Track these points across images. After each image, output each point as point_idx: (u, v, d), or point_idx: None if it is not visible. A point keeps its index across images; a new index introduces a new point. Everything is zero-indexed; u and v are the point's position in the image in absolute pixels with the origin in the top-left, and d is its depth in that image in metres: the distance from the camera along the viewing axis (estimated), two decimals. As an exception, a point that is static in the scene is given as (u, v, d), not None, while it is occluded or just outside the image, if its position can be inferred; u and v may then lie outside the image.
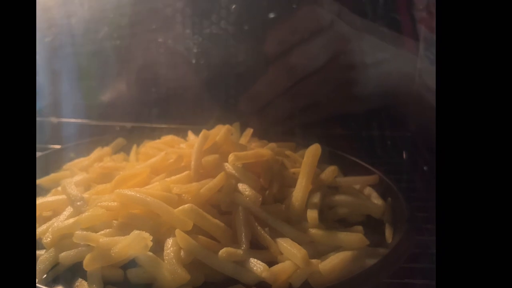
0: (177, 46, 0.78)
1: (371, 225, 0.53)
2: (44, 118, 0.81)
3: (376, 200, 0.56)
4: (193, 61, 0.78)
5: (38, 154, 0.63)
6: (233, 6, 0.74)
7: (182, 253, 0.44)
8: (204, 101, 0.78)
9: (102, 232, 0.46)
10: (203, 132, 0.56)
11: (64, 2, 0.80)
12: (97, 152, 0.65)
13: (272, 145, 0.62)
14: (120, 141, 0.69)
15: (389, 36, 0.76)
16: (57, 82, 0.80)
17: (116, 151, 0.67)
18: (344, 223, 0.53)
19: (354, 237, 0.48)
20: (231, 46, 0.76)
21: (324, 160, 0.56)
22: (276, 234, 0.48)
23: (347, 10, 0.76)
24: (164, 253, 0.44)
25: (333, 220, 0.53)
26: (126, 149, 0.67)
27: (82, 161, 0.63)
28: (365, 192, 0.59)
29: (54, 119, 0.81)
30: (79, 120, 0.81)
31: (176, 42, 0.78)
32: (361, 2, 0.76)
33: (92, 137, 0.71)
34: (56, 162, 0.64)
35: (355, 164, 0.63)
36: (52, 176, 0.60)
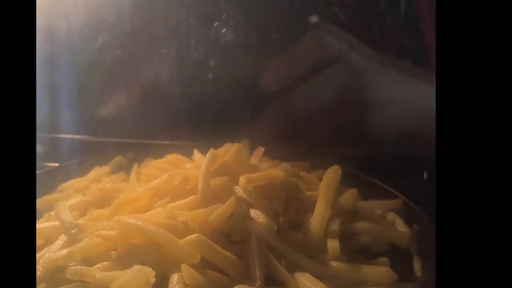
0: (181, 58, 0.74)
1: (396, 256, 0.48)
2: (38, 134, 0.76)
3: (402, 227, 0.51)
4: (198, 75, 0.74)
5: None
6: (223, 30, 0.70)
7: (188, 291, 0.39)
8: (211, 116, 0.73)
9: (99, 265, 0.41)
10: (211, 151, 0.51)
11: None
12: (94, 172, 0.60)
13: (286, 165, 0.57)
14: (119, 159, 0.64)
15: (407, 70, 0.70)
16: (53, 95, 0.75)
17: (115, 171, 0.62)
18: (366, 254, 0.48)
19: (381, 271, 0.43)
20: (238, 59, 0.72)
21: (341, 181, 0.51)
22: (293, 267, 0.43)
23: (358, 41, 0.70)
24: (169, 291, 0.39)
25: (354, 250, 0.48)
26: (126, 168, 0.63)
27: (78, 181, 0.58)
28: (388, 218, 0.53)
29: (48, 135, 0.76)
30: (75, 136, 0.76)
31: (180, 54, 0.74)
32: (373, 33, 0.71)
33: (90, 155, 0.66)
34: (50, 182, 0.59)
35: (375, 186, 0.58)
36: (45, 198, 0.55)
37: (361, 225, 0.49)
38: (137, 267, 0.38)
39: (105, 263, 0.41)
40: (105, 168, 0.61)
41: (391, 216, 0.54)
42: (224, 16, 0.70)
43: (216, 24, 0.70)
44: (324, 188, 0.48)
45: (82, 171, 0.61)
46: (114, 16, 0.75)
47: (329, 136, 0.70)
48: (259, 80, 0.70)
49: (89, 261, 0.42)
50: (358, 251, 0.48)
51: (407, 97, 0.69)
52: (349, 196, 0.53)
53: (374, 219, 0.51)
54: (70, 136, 0.74)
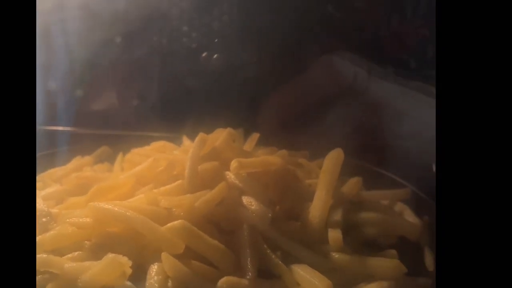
0: (173, 48, 0.70)
1: (406, 249, 0.43)
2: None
3: (411, 218, 0.46)
4: (190, 65, 0.70)
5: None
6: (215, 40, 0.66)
7: (169, 283, 0.34)
8: (205, 107, 0.69)
9: (70, 255, 0.37)
10: (200, 135, 0.46)
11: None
12: (76, 161, 0.55)
13: (283, 152, 0.52)
14: (104, 149, 0.59)
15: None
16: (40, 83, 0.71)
17: (99, 161, 0.58)
18: (372, 247, 0.43)
19: (389, 263, 0.38)
20: (233, 50, 0.68)
21: (344, 172, 0.46)
22: (290, 259, 0.38)
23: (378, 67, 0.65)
24: (147, 283, 0.34)
25: (358, 242, 0.43)
26: (112, 160, 0.58)
27: (57, 170, 0.53)
28: (395, 209, 0.49)
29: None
30: (62, 128, 0.71)
31: (172, 44, 0.70)
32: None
33: (73, 145, 0.62)
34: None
35: (381, 176, 0.53)
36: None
37: (367, 216, 0.44)
38: (111, 256, 0.33)
39: (76, 253, 0.37)
40: (87, 158, 0.57)
41: (399, 206, 0.49)
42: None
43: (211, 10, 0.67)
44: (325, 174, 0.43)
45: (63, 162, 0.56)
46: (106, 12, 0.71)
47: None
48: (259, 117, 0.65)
49: (60, 252, 0.37)
50: (363, 244, 0.43)
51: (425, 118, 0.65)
52: (353, 184, 0.48)
53: (381, 209, 0.46)
54: (53, 127, 0.70)
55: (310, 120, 0.63)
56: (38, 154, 0.60)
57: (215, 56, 0.67)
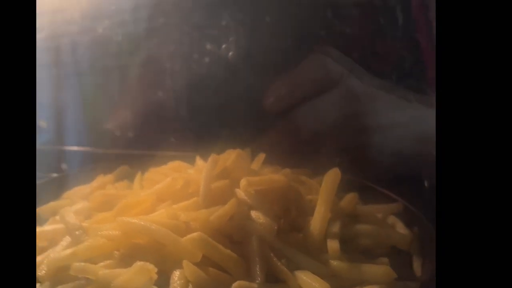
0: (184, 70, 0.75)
1: (397, 257, 0.48)
2: (46, 146, 0.77)
3: (402, 229, 0.52)
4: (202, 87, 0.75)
5: (37, 182, 0.59)
6: (230, 53, 0.71)
7: (190, 287, 0.39)
8: (214, 126, 0.74)
9: (102, 263, 0.42)
10: (212, 156, 0.52)
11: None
12: (99, 180, 0.61)
13: (286, 171, 0.57)
14: (123, 168, 0.65)
15: (408, 95, 0.70)
16: (61, 107, 0.76)
17: (119, 179, 0.63)
18: (367, 255, 0.48)
19: (380, 269, 0.43)
20: (241, 70, 0.73)
21: (342, 188, 0.52)
22: (293, 266, 0.43)
23: (359, 67, 0.71)
24: (171, 287, 0.39)
25: (354, 251, 0.49)
26: (130, 177, 0.63)
27: (83, 189, 0.59)
28: (388, 222, 0.54)
29: (56, 147, 0.77)
30: (82, 148, 0.77)
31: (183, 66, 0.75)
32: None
33: (94, 165, 0.67)
34: (56, 190, 0.60)
35: (376, 191, 0.58)
36: (51, 204, 0.56)
37: (362, 228, 0.50)
38: (139, 263, 0.39)
39: (108, 261, 0.42)
40: (109, 176, 0.62)
41: (392, 219, 0.54)
42: (226, 29, 0.71)
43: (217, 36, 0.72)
44: (324, 191, 0.48)
45: (86, 180, 0.62)
46: (120, 33, 0.76)
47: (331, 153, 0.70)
48: (261, 101, 0.70)
49: (93, 261, 0.42)
50: (358, 253, 0.49)
51: (407, 121, 0.70)
52: (350, 199, 0.54)
53: (375, 222, 0.52)
54: (75, 148, 0.76)
55: (310, 141, 0.68)
56: (61, 174, 0.66)
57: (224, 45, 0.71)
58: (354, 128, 0.69)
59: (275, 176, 0.52)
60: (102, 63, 0.78)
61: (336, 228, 0.48)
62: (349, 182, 0.57)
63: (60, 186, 0.61)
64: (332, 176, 0.49)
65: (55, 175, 0.67)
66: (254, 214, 0.46)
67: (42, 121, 0.77)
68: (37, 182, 0.59)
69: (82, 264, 0.40)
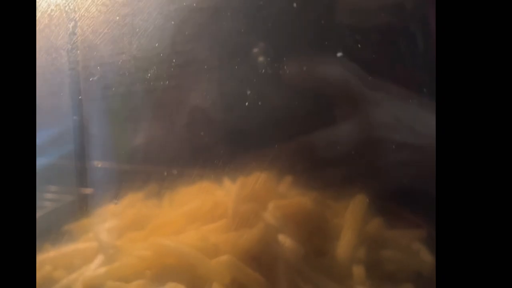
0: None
1: (422, 283, 0.49)
2: (74, 162, 0.79)
3: (426, 256, 0.52)
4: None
5: (68, 198, 0.62)
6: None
7: (219, 308, 0.41)
8: (242, 146, 0.75)
9: (135, 282, 0.43)
10: (241, 179, 0.54)
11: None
12: (129, 198, 0.63)
13: (313, 194, 0.58)
14: (153, 186, 0.66)
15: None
16: (92, 123, 0.78)
17: (148, 197, 0.65)
18: (392, 281, 0.49)
19: (404, 296, 0.44)
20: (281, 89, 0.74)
21: (369, 211, 0.53)
22: (319, 291, 0.44)
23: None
24: (201, 308, 0.41)
25: (379, 277, 0.49)
26: (159, 195, 0.65)
27: (114, 207, 0.61)
28: (413, 247, 0.55)
29: (84, 162, 0.79)
30: (112, 164, 0.79)
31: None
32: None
33: (124, 182, 0.69)
34: (86, 207, 0.61)
35: (403, 216, 0.59)
36: (82, 221, 0.58)
37: (386, 253, 0.51)
38: (172, 284, 0.40)
39: (140, 281, 0.43)
40: (139, 195, 0.64)
41: (417, 245, 0.55)
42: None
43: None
44: (350, 216, 0.49)
45: (114, 197, 0.63)
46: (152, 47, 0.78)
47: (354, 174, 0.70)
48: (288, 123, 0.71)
49: (125, 279, 0.44)
50: (383, 278, 0.49)
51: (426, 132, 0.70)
52: (376, 224, 0.54)
53: (399, 248, 0.53)
54: (105, 164, 0.77)
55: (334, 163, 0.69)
56: (91, 190, 0.68)
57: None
58: (377, 151, 0.69)
59: (302, 200, 0.54)
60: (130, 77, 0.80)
61: (361, 253, 0.49)
62: (377, 204, 0.58)
63: (90, 203, 0.63)
64: (358, 202, 0.50)
65: (85, 190, 0.69)
66: (281, 237, 0.48)
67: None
68: (69, 198, 0.62)
69: (117, 283, 0.42)
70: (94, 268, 0.45)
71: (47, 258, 0.50)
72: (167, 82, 0.74)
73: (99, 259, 0.47)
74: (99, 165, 0.77)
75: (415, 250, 0.54)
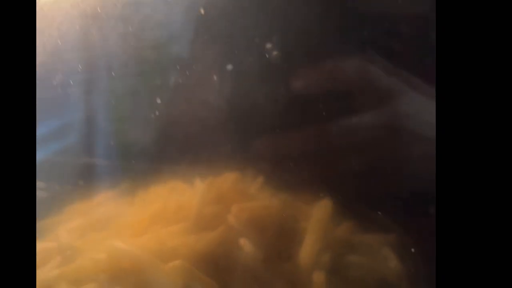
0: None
1: (386, 290, 0.48)
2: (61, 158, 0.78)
3: (394, 263, 0.51)
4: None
5: (43, 194, 0.61)
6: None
7: (167, 316, 0.40)
8: (218, 144, 0.74)
9: (86, 286, 0.43)
10: (209, 181, 0.52)
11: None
12: (99, 196, 0.62)
13: (283, 196, 0.57)
14: (126, 185, 0.65)
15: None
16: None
17: (122, 195, 0.64)
18: (356, 285, 0.48)
19: (364, 304, 0.43)
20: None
21: (338, 214, 0.52)
22: (277, 297, 0.43)
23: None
24: (147, 315, 0.40)
25: (344, 282, 0.48)
26: (131, 194, 0.64)
27: (82, 204, 0.60)
28: (382, 252, 0.53)
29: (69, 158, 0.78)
30: (85, 159, 0.78)
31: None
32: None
33: (99, 178, 0.68)
34: (56, 204, 0.61)
35: (376, 219, 0.58)
36: (50, 220, 0.57)
37: (353, 259, 0.49)
38: (118, 289, 0.39)
39: (92, 284, 0.43)
40: (111, 193, 0.63)
41: (385, 251, 0.53)
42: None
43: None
44: (315, 220, 0.48)
45: (89, 194, 0.63)
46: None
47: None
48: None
49: (79, 282, 0.43)
50: (348, 283, 0.48)
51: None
52: (345, 228, 0.53)
53: (367, 253, 0.51)
54: (82, 159, 0.77)
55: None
56: (68, 186, 0.67)
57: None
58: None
59: (270, 202, 0.52)
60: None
61: (325, 258, 0.47)
62: (349, 207, 0.57)
63: (61, 200, 0.62)
64: (324, 205, 0.49)
65: (59, 186, 0.68)
66: (242, 241, 0.47)
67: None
68: (46, 194, 0.61)
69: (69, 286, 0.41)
70: (49, 270, 0.45)
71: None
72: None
73: (56, 260, 0.46)
74: (80, 161, 0.76)
75: (384, 255, 0.53)
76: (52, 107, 0.75)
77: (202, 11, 0.64)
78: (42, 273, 0.45)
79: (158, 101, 0.75)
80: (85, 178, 0.71)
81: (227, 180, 0.55)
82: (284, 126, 0.70)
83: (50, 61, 0.70)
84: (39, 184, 0.71)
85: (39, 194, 0.61)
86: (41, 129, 0.76)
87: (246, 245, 0.46)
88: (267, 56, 0.67)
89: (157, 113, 0.76)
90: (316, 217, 0.49)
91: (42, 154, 0.73)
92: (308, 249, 0.47)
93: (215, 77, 0.70)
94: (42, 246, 0.50)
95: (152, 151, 0.75)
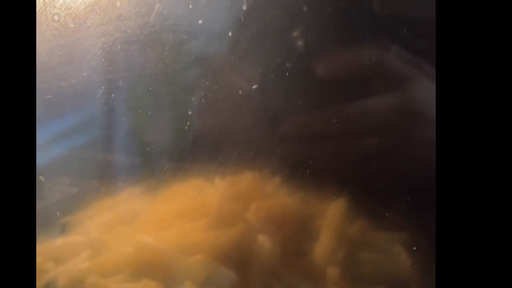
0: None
1: (397, 287, 0.50)
2: (84, 154, 0.81)
3: (404, 261, 0.53)
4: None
5: (73, 190, 0.64)
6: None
7: (190, 306, 0.43)
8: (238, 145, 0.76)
9: (114, 278, 0.46)
10: (229, 178, 0.55)
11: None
12: (125, 192, 0.65)
13: (301, 194, 0.60)
14: (150, 182, 0.68)
15: None
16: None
17: (145, 191, 0.67)
18: (368, 283, 0.50)
19: (375, 299, 0.45)
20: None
21: (352, 212, 0.54)
22: (292, 291, 0.46)
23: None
24: (172, 306, 0.43)
25: (355, 278, 0.51)
26: (155, 191, 0.67)
27: (108, 200, 0.63)
28: (394, 250, 0.55)
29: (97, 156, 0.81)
30: (116, 157, 0.81)
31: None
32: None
33: (123, 176, 0.71)
34: (83, 200, 0.64)
35: (389, 218, 0.60)
36: (78, 215, 0.60)
37: (365, 256, 0.52)
38: (145, 281, 0.42)
39: (120, 276, 0.46)
40: (135, 190, 0.66)
41: (397, 248, 0.56)
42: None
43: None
44: (330, 217, 0.50)
45: (114, 190, 0.66)
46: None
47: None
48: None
49: (109, 274, 0.46)
50: (360, 280, 0.51)
51: None
52: (358, 226, 0.55)
53: (379, 250, 0.54)
54: (110, 156, 0.79)
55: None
56: (91, 184, 0.70)
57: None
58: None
59: (287, 200, 0.55)
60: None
61: (339, 254, 0.50)
62: (363, 206, 0.59)
63: (87, 197, 0.65)
64: (339, 204, 0.51)
65: (88, 182, 0.71)
66: (260, 238, 0.49)
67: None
68: (72, 191, 0.64)
69: (95, 279, 0.44)
70: (79, 262, 0.48)
71: (40, 250, 0.52)
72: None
73: (86, 253, 0.49)
74: (107, 158, 0.79)
75: (395, 253, 0.55)
76: (76, 103, 0.78)
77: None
78: (73, 265, 0.48)
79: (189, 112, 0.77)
80: (109, 175, 0.74)
81: (246, 179, 0.57)
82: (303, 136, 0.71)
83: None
84: (65, 179, 0.74)
85: (68, 189, 0.65)
86: (66, 123, 0.79)
87: (264, 242, 0.48)
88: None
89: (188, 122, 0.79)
90: (331, 215, 0.51)
91: (67, 149, 0.76)
92: (323, 246, 0.49)
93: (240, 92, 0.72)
94: (72, 239, 0.53)
95: (177, 151, 0.78)
